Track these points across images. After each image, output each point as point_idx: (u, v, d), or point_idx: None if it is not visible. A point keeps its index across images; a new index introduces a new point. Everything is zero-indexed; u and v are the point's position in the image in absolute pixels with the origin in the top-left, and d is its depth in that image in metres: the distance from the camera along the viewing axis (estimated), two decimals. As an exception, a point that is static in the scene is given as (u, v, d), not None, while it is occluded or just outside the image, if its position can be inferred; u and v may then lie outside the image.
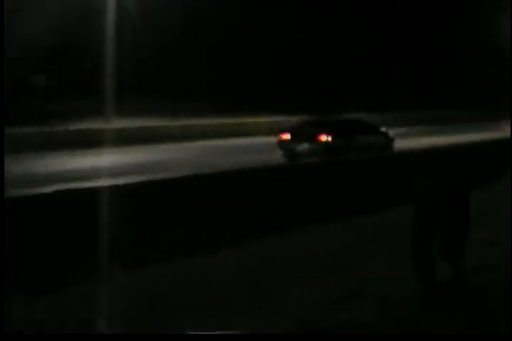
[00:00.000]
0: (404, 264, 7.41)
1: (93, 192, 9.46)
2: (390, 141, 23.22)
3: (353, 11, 43.76)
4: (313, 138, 21.58)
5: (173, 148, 25.56)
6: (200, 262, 8.45)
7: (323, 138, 21.51)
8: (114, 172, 16.22)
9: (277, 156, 21.49)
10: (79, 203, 9.12)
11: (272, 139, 23.29)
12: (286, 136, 22.22)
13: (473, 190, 7.62)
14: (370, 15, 44.42)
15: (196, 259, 8.54)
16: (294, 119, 27.54)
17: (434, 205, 7.22)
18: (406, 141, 25.29)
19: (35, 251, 8.38)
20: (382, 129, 23.63)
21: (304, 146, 21.60)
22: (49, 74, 34.65)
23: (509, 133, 23.96)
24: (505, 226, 9.65)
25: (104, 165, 17.69)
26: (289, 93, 38.76)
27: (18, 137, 23.11)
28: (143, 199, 9.71)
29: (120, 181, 12.94)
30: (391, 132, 24.01)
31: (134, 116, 30.26)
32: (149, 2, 31.84)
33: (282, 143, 22.23)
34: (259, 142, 26.40)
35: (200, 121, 32.12)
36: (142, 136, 26.85)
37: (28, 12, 30.53)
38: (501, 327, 6.03)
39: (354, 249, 9.07)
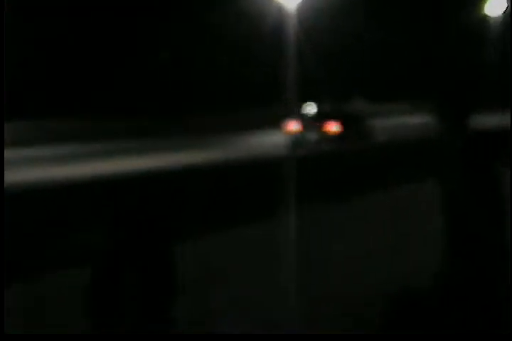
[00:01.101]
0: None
1: None
2: (371, 130, 23.42)
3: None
4: (324, 128, 22.08)
5: None
6: None
7: (335, 128, 21.95)
8: None
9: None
10: None
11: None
12: (296, 126, 22.40)
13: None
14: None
15: None
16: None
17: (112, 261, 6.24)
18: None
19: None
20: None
21: (315, 135, 21.86)
22: None
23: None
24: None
25: None
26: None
27: None
28: None
29: None
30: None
31: None
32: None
33: (292, 133, 22.38)
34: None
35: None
36: None
37: None
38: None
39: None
